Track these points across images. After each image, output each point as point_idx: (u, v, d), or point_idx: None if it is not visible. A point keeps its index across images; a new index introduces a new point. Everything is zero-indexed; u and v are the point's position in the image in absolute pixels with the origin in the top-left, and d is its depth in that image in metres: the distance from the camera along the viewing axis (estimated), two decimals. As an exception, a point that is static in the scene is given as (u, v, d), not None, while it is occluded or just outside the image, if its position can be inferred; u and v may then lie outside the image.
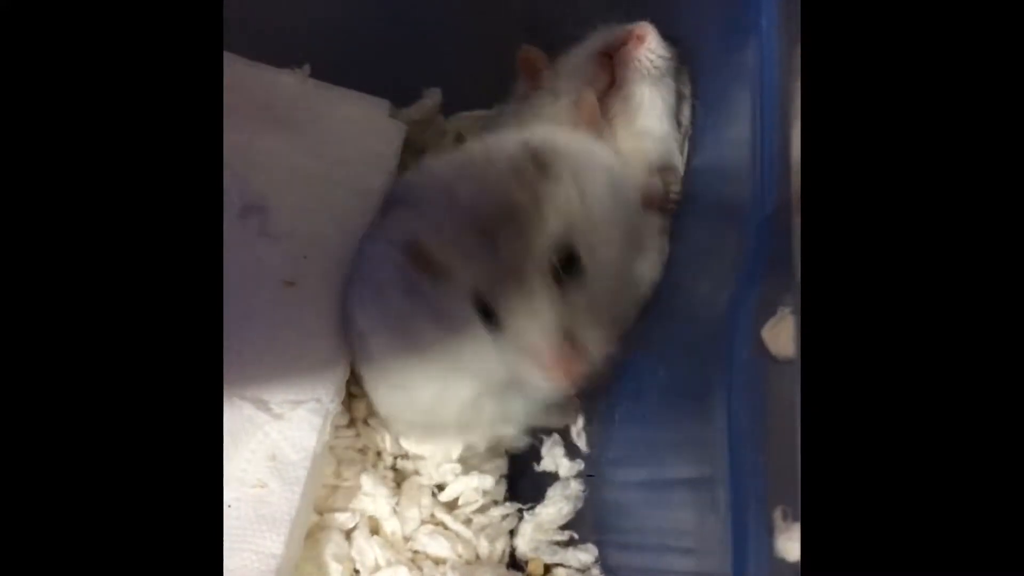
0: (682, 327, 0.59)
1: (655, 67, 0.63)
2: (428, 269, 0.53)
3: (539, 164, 0.52)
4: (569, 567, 0.65)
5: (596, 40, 0.66)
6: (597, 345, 0.52)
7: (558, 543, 0.67)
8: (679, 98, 0.65)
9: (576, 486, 0.67)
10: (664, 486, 0.58)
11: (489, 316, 0.52)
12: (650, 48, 0.63)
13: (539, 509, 0.67)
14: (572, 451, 0.68)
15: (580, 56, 0.66)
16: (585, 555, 0.64)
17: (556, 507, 0.66)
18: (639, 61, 0.63)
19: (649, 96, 0.63)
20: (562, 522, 0.67)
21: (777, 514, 0.42)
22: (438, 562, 0.64)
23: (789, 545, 0.41)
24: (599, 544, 0.65)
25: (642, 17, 0.65)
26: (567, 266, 0.51)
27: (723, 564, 0.46)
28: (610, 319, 0.54)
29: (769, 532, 0.42)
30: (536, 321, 0.50)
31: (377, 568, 0.63)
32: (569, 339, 0.51)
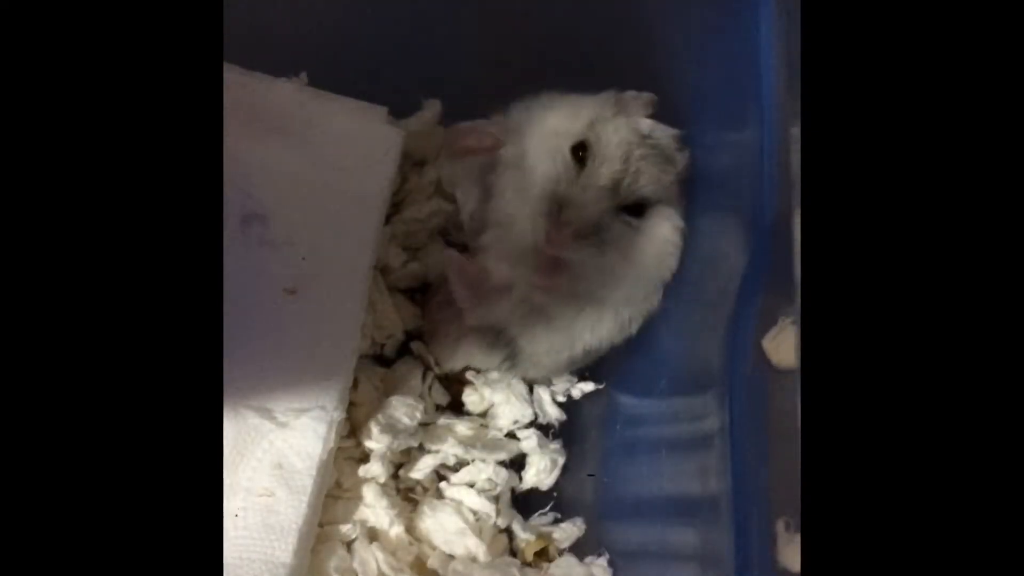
0: (684, 337, 0.60)
1: (485, 144, 0.67)
2: None
3: None
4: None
5: None
6: None
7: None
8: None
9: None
10: (666, 496, 0.58)
11: None
12: (470, 140, 0.67)
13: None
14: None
15: None
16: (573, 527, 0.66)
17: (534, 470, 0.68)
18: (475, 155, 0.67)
19: (513, 153, 0.65)
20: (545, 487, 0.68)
21: (780, 525, 0.43)
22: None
23: (791, 556, 0.42)
24: (603, 555, 0.65)
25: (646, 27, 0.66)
26: None
27: (726, 574, 0.46)
28: None
29: (772, 543, 0.42)
30: None
31: None
32: None
